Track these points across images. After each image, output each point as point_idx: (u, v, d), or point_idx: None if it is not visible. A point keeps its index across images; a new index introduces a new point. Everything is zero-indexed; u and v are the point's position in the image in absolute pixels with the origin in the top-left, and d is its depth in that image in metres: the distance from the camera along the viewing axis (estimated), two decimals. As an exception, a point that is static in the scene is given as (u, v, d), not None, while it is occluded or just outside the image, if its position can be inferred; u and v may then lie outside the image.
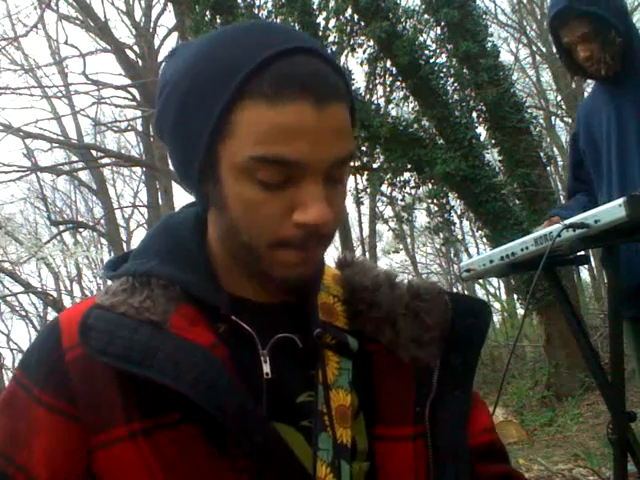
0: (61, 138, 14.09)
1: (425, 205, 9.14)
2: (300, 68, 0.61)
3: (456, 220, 8.33)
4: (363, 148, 7.22)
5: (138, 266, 0.70)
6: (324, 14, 7.17)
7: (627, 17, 1.84)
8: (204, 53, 0.65)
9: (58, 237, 14.87)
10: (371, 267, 0.78)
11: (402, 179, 7.30)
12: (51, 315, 17.15)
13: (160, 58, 13.08)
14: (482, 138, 6.96)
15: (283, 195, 0.63)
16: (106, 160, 13.99)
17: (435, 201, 7.22)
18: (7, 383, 0.71)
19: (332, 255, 0.83)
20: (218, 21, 7.04)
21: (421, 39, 6.93)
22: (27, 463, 0.64)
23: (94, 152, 13.84)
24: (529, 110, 7.50)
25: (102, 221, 16.14)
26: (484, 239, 7.60)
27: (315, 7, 7.06)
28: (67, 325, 0.68)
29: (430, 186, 7.23)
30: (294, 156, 0.61)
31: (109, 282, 0.73)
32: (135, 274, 0.70)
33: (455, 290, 18.93)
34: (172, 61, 0.70)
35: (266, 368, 0.67)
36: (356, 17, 6.92)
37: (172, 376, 0.62)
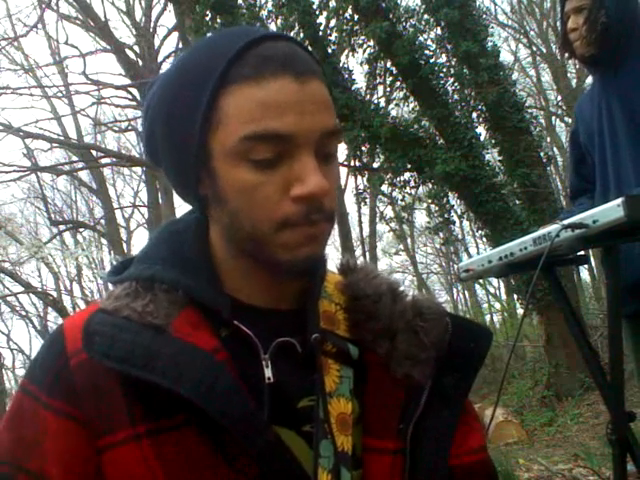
0: (61, 138, 14.08)
1: (425, 205, 9.13)
2: (277, 49, 0.65)
3: (456, 220, 8.34)
4: (363, 148, 7.22)
5: (141, 271, 0.71)
6: (324, 14, 7.18)
7: (631, 9, 1.84)
8: (184, 61, 0.68)
9: (58, 237, 14.89)
10: (374, 275, 0.78)
11: (402, 179, 7.30)
12: (51, 315, 17.20)
13: (160, 58, 13.10)
14: (482, 138, 6.96)
15: (278, 174, 0.64)
16: (106, 160, 13.99)
17: (435, 201, 7.22)
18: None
19: (334, 259, 0.83)
20: (218, 21, 7.04)
21: (421, 39, 6.93)
22: (41, 469, 0.64)
23: (94, 152, 13.84)
24: (529, 110, 7.51)
25: (102, 221, 16.15)
26: (484, 239, 7.60)
27: (315, 7, 7.06)
28: (71, 331, 0.69)
29: (430, 186, 7.23)
30: (283, 129, 0.63)
31: (111, 287, 0.73)
32: (138, 279, 0.70)
33: (455, 290, 18.94)
34: (155, 84, 0.72)
35: (267, 372, 0.67)
36: (356, 17, 6.92)
37: (174, 379, 0.62)
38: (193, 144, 0.66)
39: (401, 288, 0.78)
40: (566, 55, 2.01)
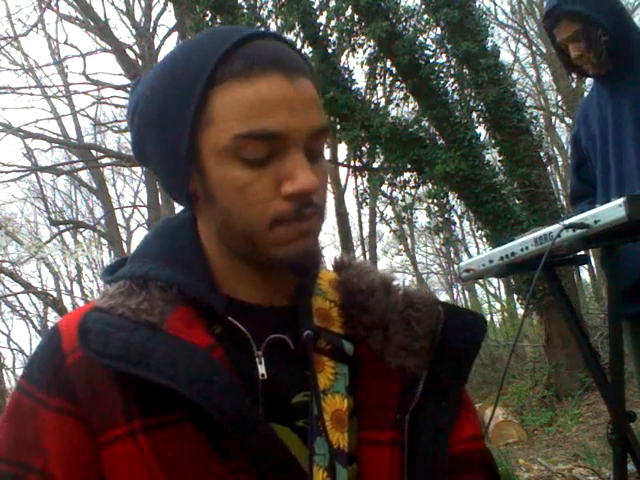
0: (61, 138, 14.09)
1: (425, 205, 9.14)
2: (265, 47, 0.65)
3: (456, 220, 8.35)
4: (363, 148, 7.22)
5: (135, 269, 0.71)
6: (324, 14, 7.18)
7: (621, 15, 1.83)
8: (171, 62, 0.68)
9: (58, 237, 14.88)
10: (368, 270, 0.79)
11: (402, 179, 7.30)
12: (51, 315, 17.17)
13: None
14: (482, 138, 6.96)
15: (268, 172, 0.65)
16: (106, 160, 13.99)
17: (435, 201, 7.22)
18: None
19: (330, 256, 0.83)
20: (218, 21, 7.04)
21: (421, 39, 6.94)
22: (45, 467, 0.65)
23: (94, 152, 13.84)
24: (529, 110, 7.51)
25: (102, 221, 16.15)
26: (484, 239, 7.60)
27: (315, 7, 7.06)
28: (66, 330, 0.69)
29: (430, 186, 7.23)
30: (275, 127, 0.63)
31: (107, 286, 0.73)
32: (132, 277, 0.71)
33: (455, 290, 18.95)
34: (138, 87, 0.72)
35: (261, 369, 0.67)
36: (356, 17, 6.92)
37: (169, 375, 0.62)
38: (183, 142, 0.66)
39: (394, 282, 0.78)
40: (574, 75, 2.01)
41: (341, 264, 0.80)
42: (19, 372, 18.91)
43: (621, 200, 1.43)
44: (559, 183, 12.70)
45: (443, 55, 7.18)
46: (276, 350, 0.69)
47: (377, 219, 15.70)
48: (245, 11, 7.13)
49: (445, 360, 0.74)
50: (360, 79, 9.46)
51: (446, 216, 7.35)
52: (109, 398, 0.65)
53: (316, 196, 0.66)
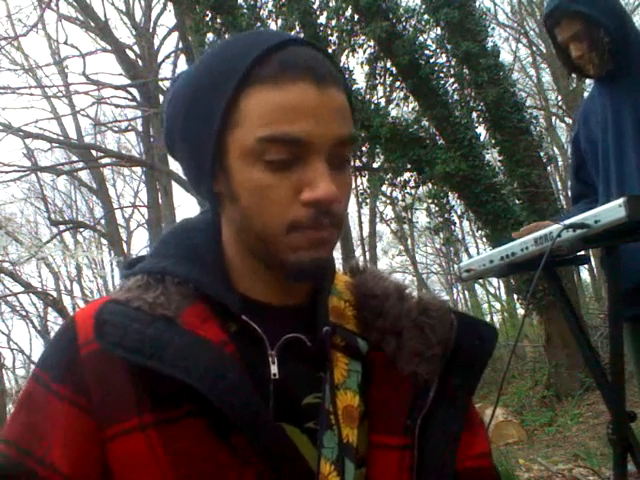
0: (61, 138, 14.07)
1: (425, 205, 9.15)
2: (300, 55, 0.66)
3: (456, 220, 8.35)
4: (363, 148, 7.23)
5: (153, 265, 0.72)
6: (324, 14, 7.19)
7: (622, 17, 1.84)
8: (206, 60, 0.70)
9: (58, 237, 14.88)
10: (382, 277, 0.79)
11: (402, 179, 7.31)
12: (51, 315, 17.18)
13: (160, 58, 13.10)
14: (482, 138, 6.97)
15: (290, 177, 0.65)
16: (106, 160, 13.98)
17: (435, 201, 7.23)
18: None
19: (341, 262, 0.83)
20: (218, 21, 7.05)
21: (421, 39, 6.95)
22: (46, 456, 0.65)
23: (94, 152, 13.83)
24: (529, 110, 7.51)
25: (102, 221, 16.15)
26: (484, 239, 7.60)
27: (315, 7, 7.07)
28: (82, 322, 0.70)
29: (430, 186, 7.24)
30: (299, 133, 0.64)
31: (125, 280, 0.75)
32: (150, 272, 0.72)
33: (455, 290, 18.95)
34: (179, 79, 0.74)
35: (273, 369, 0.68)
36: (356, 17, 6.93)
37: (182, 369, 0.63)
38: (211, 141, 0.67)
39: (408, 290, 0.79)
40: (574, 75, 2.00)
41: (356, 268, 0.81)
42: (19, 372, 18.93)
43: (621, 200, 1.43)
44: (559, 183, 12.71)
45: (443, 55, 7.19)
46: (290, 350, 0.70)
47: (377, 219, 15.72)
48: (245, 11, 7.13)
49: (456, 367, 0.74)
50: (360, 79, 9.47)
51: (446, 216, 7.35)
52: (121, 390, 0.66)
53: (336, 206, 0.66)
